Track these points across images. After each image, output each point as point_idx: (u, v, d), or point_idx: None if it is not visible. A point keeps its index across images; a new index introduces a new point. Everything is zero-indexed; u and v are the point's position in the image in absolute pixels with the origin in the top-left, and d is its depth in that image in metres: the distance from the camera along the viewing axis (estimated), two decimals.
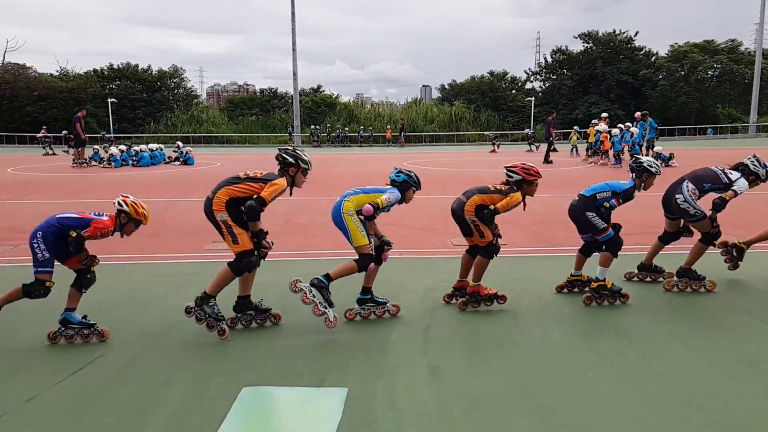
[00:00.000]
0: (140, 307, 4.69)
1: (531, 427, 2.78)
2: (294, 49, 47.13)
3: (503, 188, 4.52)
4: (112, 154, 21.29)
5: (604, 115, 23.64)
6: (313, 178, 12.51)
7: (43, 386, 3.26)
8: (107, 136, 34.12)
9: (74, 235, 3.76)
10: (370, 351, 3.72)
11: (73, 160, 21.31)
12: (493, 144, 32.92)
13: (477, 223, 4.43)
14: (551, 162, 21.07)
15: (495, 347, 3.77)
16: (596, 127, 21.72)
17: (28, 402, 3.09)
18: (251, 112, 56.82)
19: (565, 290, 5.00)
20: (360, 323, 4.25)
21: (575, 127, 23.64)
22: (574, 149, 25.39)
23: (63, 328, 3.92)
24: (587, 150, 22.64)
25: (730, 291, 4.96)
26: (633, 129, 18.35)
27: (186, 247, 7.02)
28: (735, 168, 5.23)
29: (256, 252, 4.02)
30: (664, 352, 3.66)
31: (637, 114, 21.11)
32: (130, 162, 21.38)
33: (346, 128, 48.86)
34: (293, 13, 46.21)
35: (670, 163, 18.76)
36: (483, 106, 55.60)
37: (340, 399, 3.05)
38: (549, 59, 60.33)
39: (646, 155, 19.47)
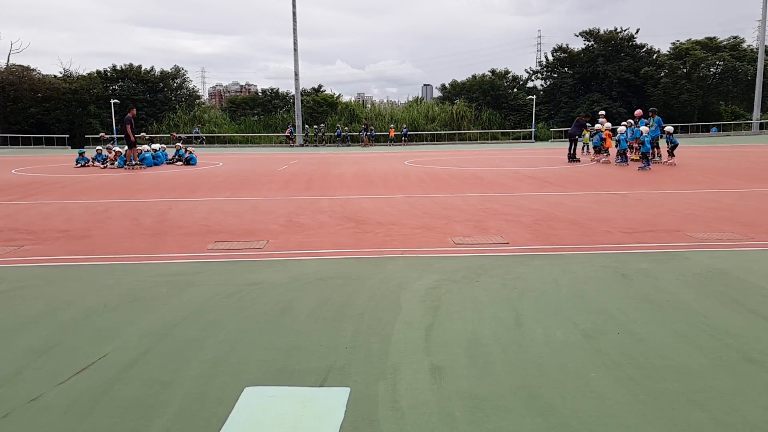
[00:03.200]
0: (142, 307, 4.69)
1: (533, 427, 2.77)
2: (295, 50, 47.18)
3: None
4: (118, 153, 21.40)
5: (602, 112, 23.72)
6: (314, 178, 12.49)
7: (47, 387, 3.26)
8: (106, 136, 34.03)
9: None
10: (372, 351, 3.72)
11: (126, 162, 20.91)
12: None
13: None
14: (578, 160, 21.03)
15: (497, 347, 3.76)
16: (601, 125, 21.68)
17: (32, 402, 3.09)
18: (253, 112, 56.99)
19: None
20: (361, 323, 4.25)
21: (588, 125, 23.52)
22: (585, 147, 25.35)
23: None
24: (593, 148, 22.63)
25: (734, 288, 4.94)
26: (668, 128, 18.83)
27: (188, 247, 7.03)
28: None
29: None
30: (667, 351, 3.64)
31: (638, 111, 21.06)
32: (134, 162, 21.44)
33: (347, 127, 48.99)
34: (294, 14, 46.23)
35: (664, 160, 18.75)
36: (484, 104, 55.61)
37: (342, 399, 3.05)
38: (550, 57, 60.30)
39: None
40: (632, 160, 19.99)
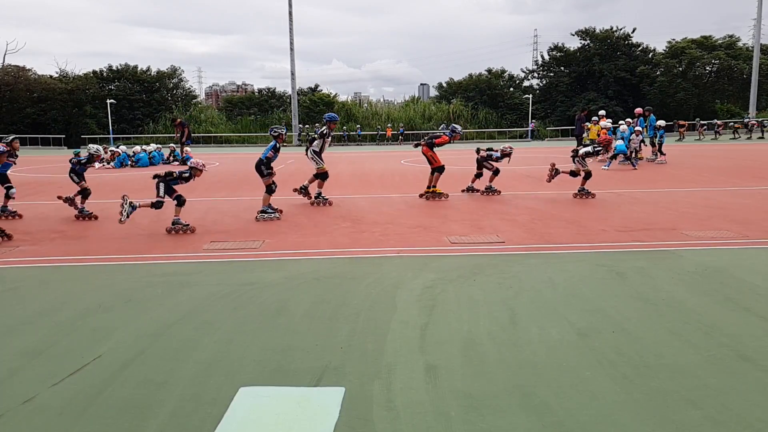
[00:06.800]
0: (137, 307, 4.68)
1: (528, 426, 2.77)
2: (292, 49, 47.11)
3: None
4: (116, 154, 21.55)
5: (602, 112, 23.67)
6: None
7: (41, 388, 3.25)
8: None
9: None
10: (366, 350, 3.72)
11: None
12: None
13: None
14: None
15: (492, 346, 3.77)
16: (600, 123, 21.64)
17: (26, 403, 3.08)
18: (249, 112, 56.88)
19: None
20: (357, 323, 4.25)
21: (587, 123, 23.45)
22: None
23: None
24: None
25: (728, 287, 4.96)
26: (660, 122, 19.38)
27: (184, 247, 7.01)
28: None
29: None
30: (662, 350, 3.65)
31: (638, 110, 21.06)
32: (129, 163, 21.43)
33: (344, 127, 48.94)
34: (290, 13, 46.16)
35: (658, 159, 18.74)
36: (480, 104, 55.60)
37: (337, 399, 3.05)
38: (546, 56, 60.38)
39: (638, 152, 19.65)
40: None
